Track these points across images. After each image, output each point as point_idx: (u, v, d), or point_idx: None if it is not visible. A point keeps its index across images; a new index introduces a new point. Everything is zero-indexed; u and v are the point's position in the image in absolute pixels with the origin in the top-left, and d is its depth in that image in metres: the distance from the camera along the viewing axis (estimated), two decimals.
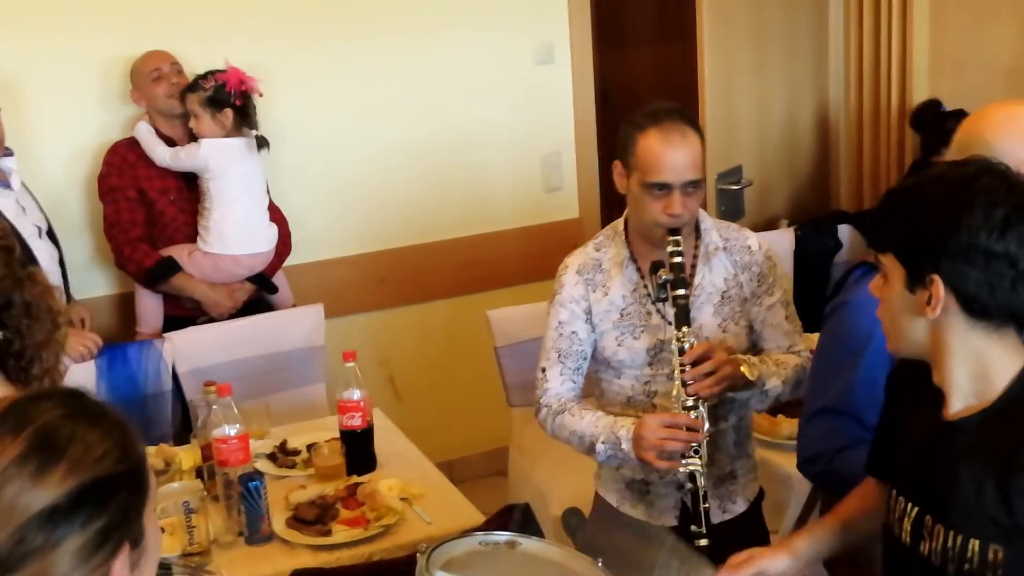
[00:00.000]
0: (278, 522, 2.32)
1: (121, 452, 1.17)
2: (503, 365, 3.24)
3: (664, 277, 2.15)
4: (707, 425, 2.12)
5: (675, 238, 2.16)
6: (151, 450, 2.53)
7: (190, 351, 3.16)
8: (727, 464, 2.32)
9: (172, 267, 3.32)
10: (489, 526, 2.02)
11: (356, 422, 2.55)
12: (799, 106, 4.35)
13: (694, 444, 2.09)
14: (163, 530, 2.17)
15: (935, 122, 3.93)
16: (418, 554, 1.62)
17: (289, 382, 3.27)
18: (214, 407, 2.43)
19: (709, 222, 2.31)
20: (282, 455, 2.65)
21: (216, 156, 3.31)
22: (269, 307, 3.52)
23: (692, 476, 2.11)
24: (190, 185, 3.39)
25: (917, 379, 1.60)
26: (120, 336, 3.44)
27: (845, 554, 1.88)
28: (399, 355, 4.01)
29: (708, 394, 2.12)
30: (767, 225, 4.09)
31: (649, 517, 2.32)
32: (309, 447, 2.65)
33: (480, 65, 3.96)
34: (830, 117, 4.43)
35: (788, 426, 2.71)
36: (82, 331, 3.12)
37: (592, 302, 2.28)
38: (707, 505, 2.12)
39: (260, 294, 3.50)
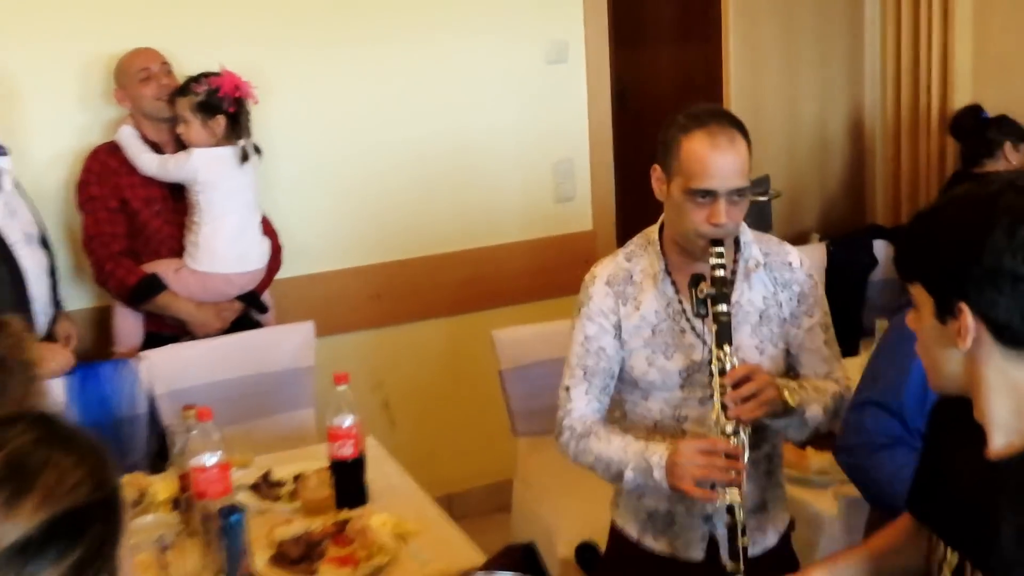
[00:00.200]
0: (260, 560, 2.30)
1: (97, 480, 1.16)
2: (508, 390, 3.23)
3: (706, 291, 2.15)
4: (748, 453, 2.12)
5: (718, 249, 2.16)
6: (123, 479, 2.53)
7: (167, 371, 3.15)
8: (758, 495, 2.32)
9: (156, 285, 3.32)
10: (490, 566, 2.01)
11: (347, 451, 2.54)
12: (832, 111, 4.35)
13: (734, 472, 2.09)
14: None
15: (976, 130, 3.94)
16: None
17: (275, 406, 3.27)
18: (192, 433, 2.41)
19: (749, 235, 2.31)
20: (266, 486, 2.64)
21: (207, 167, 3.31)
22: (256, 326, 3.51)
23: (730, 508, 2.11)
24: (176, 195, 3.38)
25: (960, 415, 1.59)
26: (99, 354, 3.42)
27: None
28: (395, 378, 4.00)
29: (751, 418, 2.12)
30: (797, 240, 4.09)
31: (673, 551, 2.32)
32: (295, 478, 2.64)
33: (487, 65, 3.97)
34: (865, 123, 4.43)
35: (818, 460, 2.70)
36: (55, 348, 3.12)
37: (622, 316, 2.27)
38: (747, 539, 2.12)
39: (247, 312, 3.50)
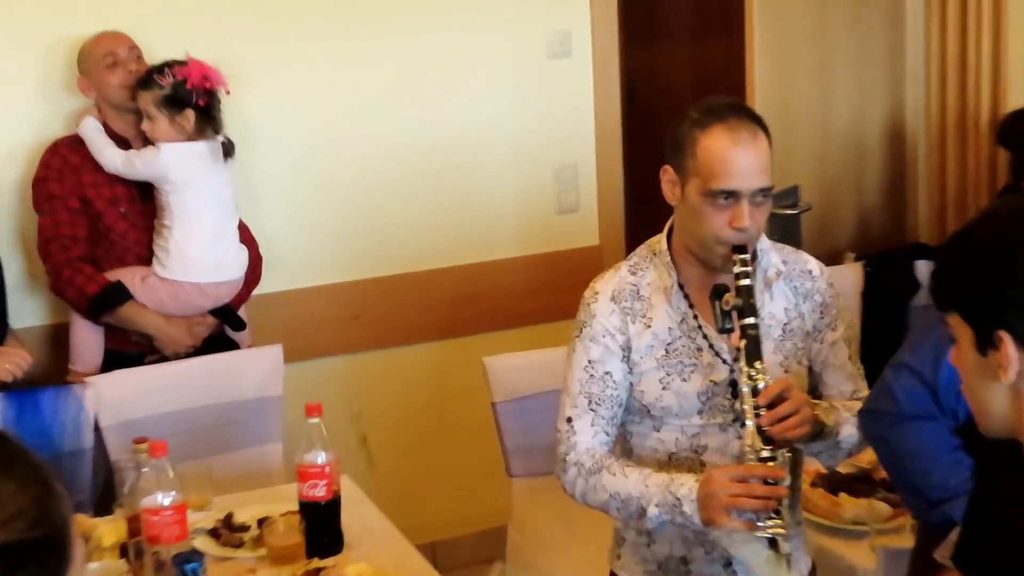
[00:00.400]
0: None
1: (37, 514, 1.13)
2: (502, 425, 3.22)
3: (732, 303, 2.15)
4: (789, 478, 2.13)
5: (742, 256, 2.17)
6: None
7: (116, 399, 3.14)
8: None
9: (121, 295, 3.31)
10: None
11: (320, 492, 2.53)
12: (869, 115, 4.36)
13: (775, 499, 2.09)
14: None
15: None
16: None
17: (238, 440, 3.26)
18: (144, 469, 2.41)
19: (766, 242, 2.33)
20: (227, 531, 2.63)
21: (178, 164, 3.31)
22: (233, 346, 3.51)
23: (772, 541, 2.11)
24: (144, 195, 3.39)
25: (1010, 459, 1.58)
26: (53, 378, 3.40)
27: None
28: (375, 410, 4.00)
29: (793, 437, 2.13)
30: (829, 259, 4.06)
31: None
32: (260, 522, 2.63)
33: (482, 59, 3.98)
34: (907, 128, 4.43)
35: (853, 507, 2.70)
36: (7, 348, 3.12)
37: (632, 335, 2.27)
38: (794, 574, 2.15)
39: (221, 330, 3.50)
